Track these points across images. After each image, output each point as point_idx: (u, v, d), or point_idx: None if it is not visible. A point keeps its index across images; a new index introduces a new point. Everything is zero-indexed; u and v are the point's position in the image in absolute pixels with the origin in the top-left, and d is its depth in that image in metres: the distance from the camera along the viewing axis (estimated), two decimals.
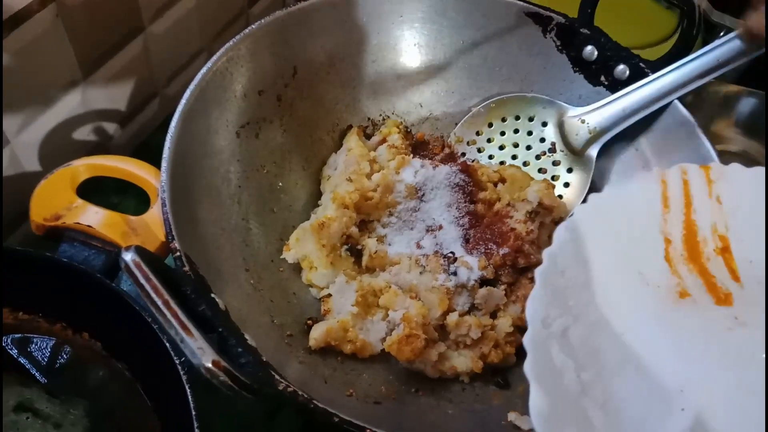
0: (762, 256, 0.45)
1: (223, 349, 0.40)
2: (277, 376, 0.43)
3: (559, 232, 0.44)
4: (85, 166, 0.55)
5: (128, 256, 0.38)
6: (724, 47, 0.59)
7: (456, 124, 0.71)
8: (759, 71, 0.95)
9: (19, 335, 0.53)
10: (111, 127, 0.79)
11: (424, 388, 0.54)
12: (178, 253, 0.45)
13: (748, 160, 0.94)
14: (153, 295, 0.37)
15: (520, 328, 0.58)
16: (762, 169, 0.47)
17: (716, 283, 0.45)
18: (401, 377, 0.55)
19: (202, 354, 0.36)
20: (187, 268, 0.45)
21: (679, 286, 0.45)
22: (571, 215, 0.46)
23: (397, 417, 0.43)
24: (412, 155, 0.67)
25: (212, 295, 0.45)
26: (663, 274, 0.45)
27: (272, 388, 0.42)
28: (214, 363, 0.36)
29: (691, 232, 0.47)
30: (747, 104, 0.95)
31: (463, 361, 0.55)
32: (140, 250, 0.39)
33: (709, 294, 0.45)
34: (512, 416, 0.49)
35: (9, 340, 0.53)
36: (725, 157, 0.94)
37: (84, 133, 0.74)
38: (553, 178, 0.67)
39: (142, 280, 0.37)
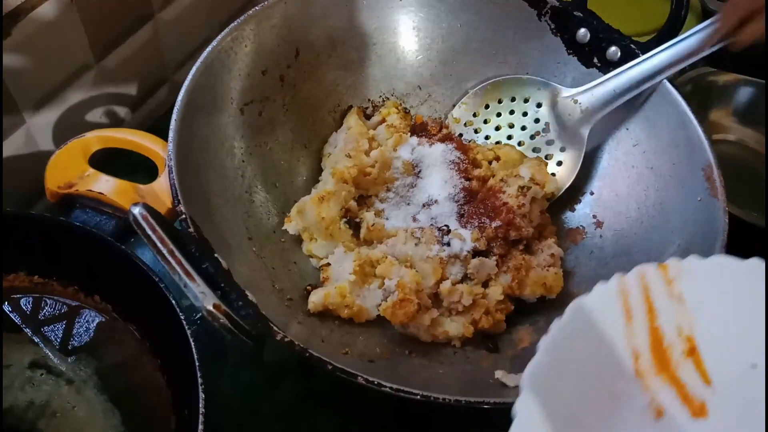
0: (728, 350, 0.44)
1: (225, 302, 0.42)
2: (275, 327, 0.45)
3: (536, 358, 0.43)
4: (96, 138, 0.58)
5: (136, 210, 0.40)
6: (710, 28, 0.61)
7: (454, 105, 0.74)
8: (757, 60, 0.97)
9: (34, 297, 0.56)
10: (122, 111, 0.82)
11: (417, 350, 0.57)
12: (183, 216, 0.48)
13: (744, 149, 0.96)
14: (159, 244, 0.40)
15: (510, 296, 0.60)
16: (719, 258, 0.46)
17: (689, 392, 0.44)
18: (395, 340, 0.58)
19: (204, 298, 0.39)
20: (191, 230, 0.48)
21: (654, 403, 0.43)
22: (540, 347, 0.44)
23: (389, 373, 0.46)
24: (410, 135, 0.69)
25: (215, 255, 0.48)
26: (636, 393, 0.43)
27: (270, 337, 0.44)
28: (215, 306, 0.39)
29: (657, 340, 0.45)
30: (745, 93, 0.97)
31: (455, 327, 0.57)
32: (148, 207, 0.41)
33: (683, 405, 0.43)
34: (499, 374, 0.52)
35: (25, 302, 0.56)
36: (723, 146, 0.96)
37: (96, 116, 0.77)
38: (547, 156, 0.70)
39: (149, 231, 0.40)
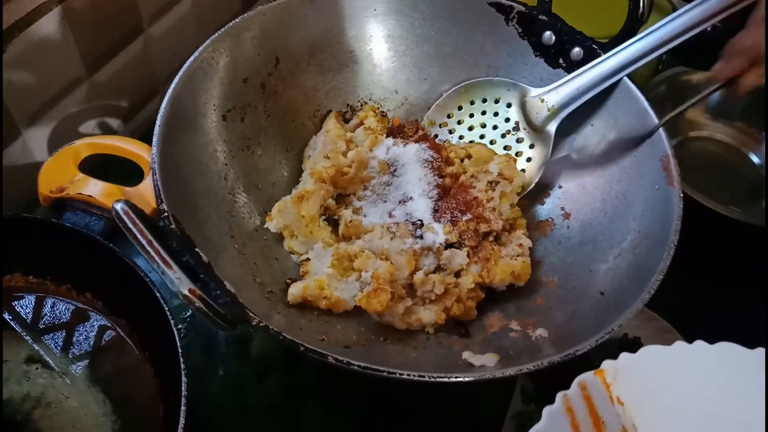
0: None
1: (204, 291, 0.45)
2: (251, 314, 0.48)
3: None
4: (85, 145, 0.62)
5: (118, 205, 0.44)
6: (667, 27, 0.64)
7: (429, 108, 0.77)
8: None
9: (30, 296, 0.60)
10: (114, 123, 0.85)
11: (392, 337, 0.60)
12: (165, 213, 0.51)
13: (719, 144, 0.99)
14: (138, 235, 0.43)
15: (481, 285, 0.63)
16: (647, 349, 0.49)
17: None
18: (372, 329, 0.61)
19: (180, 283, 0.42)
20: (173, 226, 0.51)
21: None
22: None
23: (364, 357, 0.48)
24: (387, 137, 0.73)
25: (196, 250, 0.51)
26: None
27: (247, 322, 0.47)
28: (190, 291, 0.42)
29: None
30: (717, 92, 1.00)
31: (428, 314, 0.60)
32: (129, 203, 0.45)
33: None
34: (466, 354, 0.55)
35: (22, 301, 0.60)
36: (699, 143, 0.99)
37: (89, 128, 0.81)
38: (517, 154, 0.73)
39: (129, 224, 0.43)
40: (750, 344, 0.69)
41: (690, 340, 0.69)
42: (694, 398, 0.48)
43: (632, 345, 0.69)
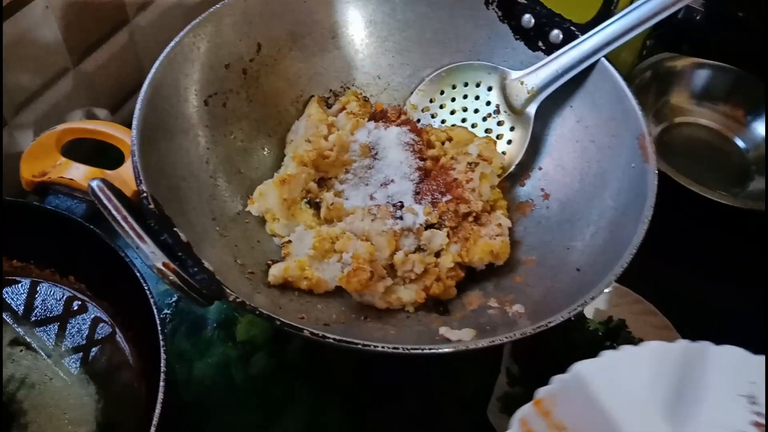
0: None
1: (181, 268, 0.46)
2: (228, 290, 0.49)
3: None
4: (67, 129, 0.63)
5: (94, 182, 0.44)
6: (643, 7, 0.64)
7: (411, 93, 0.78)
8: (710, 43, 1.01)
9: (13, 279, 0.61)
10: (102, 113, 0.86)
11: (372, 316, 0.61)
12: (144, 194, 0.52)
13: (705, 129, 1.00)
14: (113, 211, 0.43)
15: (461, 264, 0.64)
16: (576, 367, 0.49)
17: None
18: (352, 308, 0.61)
19: (154, 257, 0.43)
20: (152, 206, 0.52)
21: None
22: None
23: (342, 334, 0.49)
24: (370, 121, 0.73)
25: (175, 229, 0.52)
26: None
27: (223, 298, 0.48)
28: (164, 264, 0.43)
29: None
30: (702, 76, 1.01)
31: (408, 293, 0.61)
32: (106, 182, 0.45)
33: None
34: (443, 330, 0.55)
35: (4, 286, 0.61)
36: (685, 129, 1.00)
37: (76, 117, 0.82)
38: (498, 136, 0.73)
39: (105, 200, 0.44)
40: (735, 327, 0.70)
41: (676, 323, 0.71)
42: (630, 406, 0.49)
43: (618, 328, 0.70)
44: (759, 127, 0.96)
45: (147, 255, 0.43)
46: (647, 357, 0.51)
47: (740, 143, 0.97)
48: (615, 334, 0.70)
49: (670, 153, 0.93)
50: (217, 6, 0.68)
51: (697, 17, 1.02)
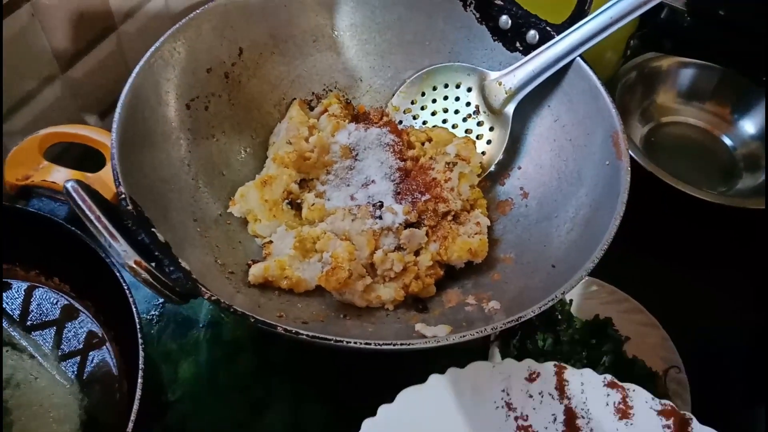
0: None
1: (157, 268, 0.47)
2: (202, 288, 0.50)
3: None
4: (49, 134, 0.64)
5: (69, 184, 0.45)
6: (615, 7, 0.65)
7: (393, 95, 0.79)
8: (694, 41, 1.02)
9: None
10: (91, 119, 0.87)
11: (351, 314, 0.62)
12: (122, 195, 0.53)
13: (691, 128, 1.01)
14: (87, 211, 0.44)
15: (440, 263, 0.65)
16: (406, 392, 0.52)
17: None
18: (332, 307, 0.62)
19: (126, 255, 0.44)
20: (130, 207, 0.53)
21: None
22: None
23: (320, 332, 0.50)
24: (351, 123, 0.74)
25: (153, 229, 0.53)
26: None
27: (198, 296, 0.49)
28: (136, 262, 0.44)
29: None
30: (686, 75, 1.02)
31: (387, 292, 0.62)
32: (81, 183, 0.46)
33: None
34: (419, 326, 0.56)
35: None
36: (672, 128, 1.01)
37: (65, 124, 0.83)
38: (478, 137, 0.74)
39: (78, 200, 0.45)
40: (724, 326, 0.71)
41: (662, 320, 0.71)
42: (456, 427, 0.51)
43: (603, 325, 0.71)
44: (746, 125, 0.97)
45: (119, 253, 0.44)
46: (470, 379, 0.54)
47: (727, 141, 0.97)
48: (601, 331, 0.71)
49: (658, 152, 0.94)
50: (197, 11, 0.69)
51: (681, 16, 1.03)
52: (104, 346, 0.60)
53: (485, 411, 0.54)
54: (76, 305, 0.62)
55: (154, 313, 0.72)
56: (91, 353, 0.59)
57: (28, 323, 0.61)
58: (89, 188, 0.46)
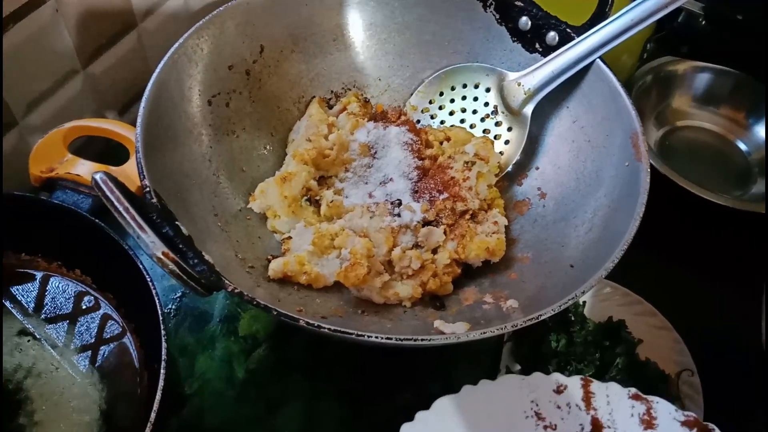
0: None
1: (181, 258, 0.48)
2: (226, 280, 0.50)
3: None
4: (74, 127, 0.65)
5: (98, 175, 0.46)
6: (637, 9, 0.66)
7: (411, 94, 0.79)
8: (711, 46, 1.02)
9: (22, 272, 0.62)
10: (110, 114, 0.88)
11: (369, 310, 0.62)
12: (147, 188, 0.54)
13: (707, 133, 1.00)
14: (116, 203, 0.45)
15: (458, 261, 0.65)
16: (441, 401, 0.54)
17: None
18: (350, 303, 0.63)
19: (154, 246, 0.45)
20: (154, 200, 0.53)
21: None
22: None
23: (339, 326, 0.50)
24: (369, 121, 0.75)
25: (176, 223, 0.53)
26: None
27: (222, 288, 0.49)
28: (164, 253, 0.44)
29: None
30: (702, 79, 1.02)
31: (405, 289, 0.62)
32: (109, 175, 0.47)
33: None
34: (438, 323, 0.57)
35: (15, 277, 0.62)
36: (688, 132, 1.01)
37: (85, 119, 0.83)
38: (496, 137, 0.75)
39: (107, 192, 0.45)
40: (737, 330, 0.71)
41: (676, 324, 0.72)
42: None
43: (617, 327, 0.71)
44: (761, 130, 0.96)
45: (147, 244, 0.44)
46: (501, 390, 0.56)
47: (742, 146, 0.97)
48: (614, 333, 0.71)
49: (672, 156, 0.94)
50: (220, 9, 0.69)
51: (697, 20, 1.03)
52: (125, 338, 0.60)
53: (516, 420, 0.56)
54: (98, 297, 0.62)
55: (171, 306, 0.72)
56: (112, 345, 0.60)
57: (49, 314, 0.62)
58: (117, 180, 0.47)
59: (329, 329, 0.49)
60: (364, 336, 0.48)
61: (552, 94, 0.71)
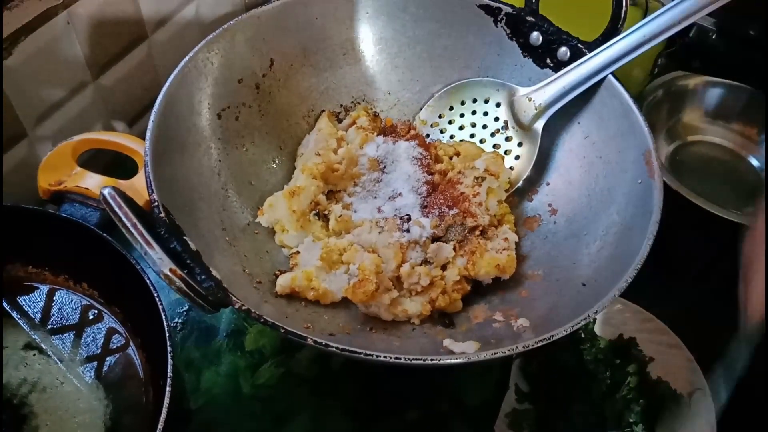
0: None
1: (188, 275, 0.47)
2: (233, 297, 0.50)
3: None
4: (84, 140, 0.65)
5: (106, 190, 0.46)
6: (648, 25, 0.65)
7: (421, 108, 0.79)
8: (722, 61, 1.01)
9: (28, 285, 0.62)
10: (120, 126, 0.88)
11: (377, 327, 0.61)
12: (156, 203, 0.53)
13: (718, 148, 1.00)
14: (123, 218, 0.45)
15: (467, 278, 0.64)
16: None
17: None
18: (358, 319, 0.62)
19: (161, 263, 0.44)
20: (163, 215, 0.53)
21: None
22: None
23: (347, 344, 0.49)
24: (379, 135, 0.74)
25: (184, 237, 0.53)
26: None
27: (229, 305, 0.49)
28: (171, 270, 0.44)
29: None
30: (714, 94, 1.01)
31: (413, 306, 0.62)
32: (118, 190, 0.47)
33: None
34: (447, 342, 0.56)
35: (20, 291, 0.62)
36: (699, 147, 1.00)
37: (95, 130, 0.84)
38: (506, 152, 0.74)
39: (115, 207, 0.45)
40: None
41: (687, 341, 0.70)
42: None
43: (628, 345, 0.70)
44: None
45: (154, 261, 0.44)
46: None
47: (754, 162, 0.96)
48: (625, 351, 0.70)
49: (684, 171, 0.93)
50: (231, 22, 0.69)
51: (709, 36, 1.03)
52: (131, 353, 0.60)
53: None
54: (104, 311, 0.62)
55: (177, 320, 0.72)
56: (117, 359, 0.60)
57: (55, 327, 0.61)
58: (125, 195, 0.47)
59: (337, 348, 0.48)
60: (372, 356, 0.48)
61: (563, 110, 0.71)
